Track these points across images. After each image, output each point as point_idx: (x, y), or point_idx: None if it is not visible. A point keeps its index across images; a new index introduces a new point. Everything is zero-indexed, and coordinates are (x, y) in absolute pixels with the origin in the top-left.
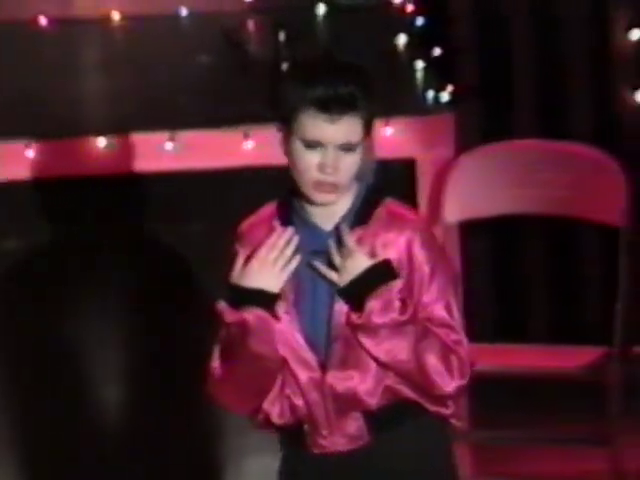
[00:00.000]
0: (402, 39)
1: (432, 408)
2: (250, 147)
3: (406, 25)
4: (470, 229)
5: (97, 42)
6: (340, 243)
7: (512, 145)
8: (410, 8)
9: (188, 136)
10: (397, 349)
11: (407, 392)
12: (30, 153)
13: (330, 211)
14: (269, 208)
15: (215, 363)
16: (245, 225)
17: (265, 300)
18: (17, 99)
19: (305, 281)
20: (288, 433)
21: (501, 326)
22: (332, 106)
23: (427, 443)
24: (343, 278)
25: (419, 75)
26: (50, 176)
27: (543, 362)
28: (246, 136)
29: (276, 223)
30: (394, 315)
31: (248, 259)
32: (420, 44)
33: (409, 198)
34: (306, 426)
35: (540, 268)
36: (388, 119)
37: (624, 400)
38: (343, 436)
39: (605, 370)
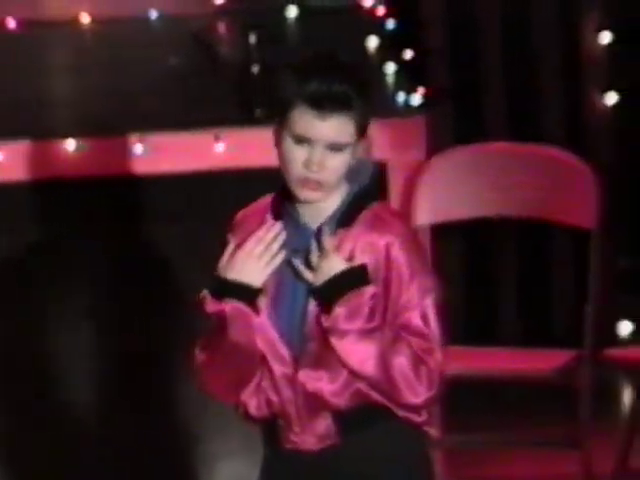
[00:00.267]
0: (373, 42)
1: (402, 414)
2: (221, 150)
3: (377, 28)
4: (442, 232)
5: (66, 44)
6: (322, 243)
7: (483, 148)
8: (381, 11)
9: (158, 139)
10: (364, 356)
11: (377, 397)
12: None
13: (317, 210)
14: (265, 201)
15: (198, 350)
16: (239, 215)
17: (246, 293)
18: None
19: (286, 278)
20: (266, 428)
21: (472, 329)
22: (324, 103)
23: (399, 447)
24: (317, 278)
25: (390, 78)
26: (19, 179)
27: (514, 365)
28: (217, 139)
29: (268, 216)
30: (361, 322)
31: (236, 249)
32: (391, 47)
33: (380, 201)
34: (280, 421)
35: (511, 271)
36: None
37: (595, 403)
38: (313, 435)
39: (576, 373)
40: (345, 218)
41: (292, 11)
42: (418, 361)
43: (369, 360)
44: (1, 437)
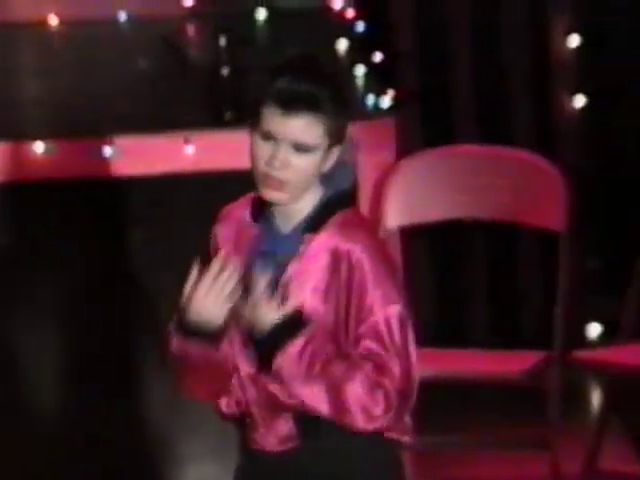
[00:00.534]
0: (343, 44)
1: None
2: (191, 152)
3: (347, 30)
4: (411, 234)
5: (35, 46)
6: (293, 245)
7: (453, 150)
8: (351, 13)
9: (128, 141)
10: (315, 398)
11: None
12: None
13: (289, 213)
14: (250, 197)
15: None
16: (225, 210)
17: (207, 334)
18: None
19: (251, 277)
20: (238, 426)
21: (442, 331)
22: (290, 101)
23: (365, 450)
24: (255, 327)
25: (360, 80)
26: None
27: (484, 367)
28: (187, 141)
29: (247, 215)
30: (304, 366)
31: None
32: (361, 49)
33: (354, 207)
34: (248, 421)
35: (481, 273)
36: None
37: (564, 404)
38: (275, 436)
39: (545, 374)
40: (314, 223)
41: (262, 14)
42: (374, 385)
43: (321, 401)
44: None
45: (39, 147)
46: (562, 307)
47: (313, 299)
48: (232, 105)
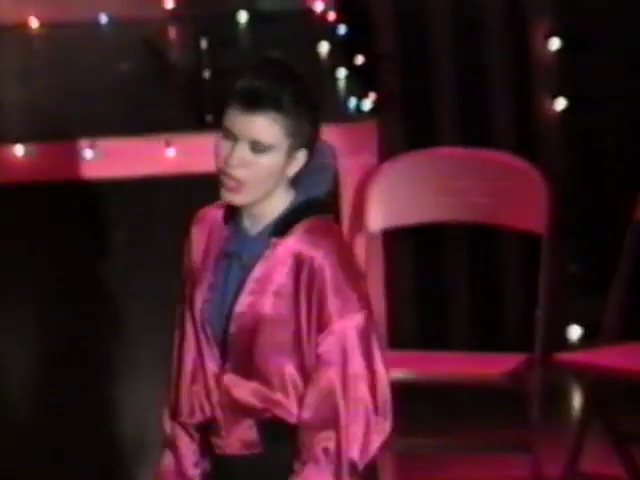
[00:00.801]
0: (324, 47)
1: None
2: (171, 155)
3: (328, 33)
4: (393, 237)
5: (15, 49)
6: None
7: (435, 153)
8: (332, 16)
9: (108, 144)
10: None
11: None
12: None
13: (258, 215)
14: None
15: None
16: (201, 211)
17: None
18: None
19: (218, 277)
20: (203, 434)
21: (423, 333)
22: (250, 99)
23: None
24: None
25: (341, 83)
26: None
27: (465, 369)
28: (168, 144)
29: (221, 216)
30: None
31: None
32: (342, 52)
33: (332, 206)
34: (213, 425)
35: (462, 275)
36: None
37: (545, 406)
38: (238, 440)
39: (526, 377)
40: (282, 227)
41: (243, 16)
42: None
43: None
44: None
45: (19, 150)
46: (543, 309)
47: (276, 304)
48: (213, 108)
